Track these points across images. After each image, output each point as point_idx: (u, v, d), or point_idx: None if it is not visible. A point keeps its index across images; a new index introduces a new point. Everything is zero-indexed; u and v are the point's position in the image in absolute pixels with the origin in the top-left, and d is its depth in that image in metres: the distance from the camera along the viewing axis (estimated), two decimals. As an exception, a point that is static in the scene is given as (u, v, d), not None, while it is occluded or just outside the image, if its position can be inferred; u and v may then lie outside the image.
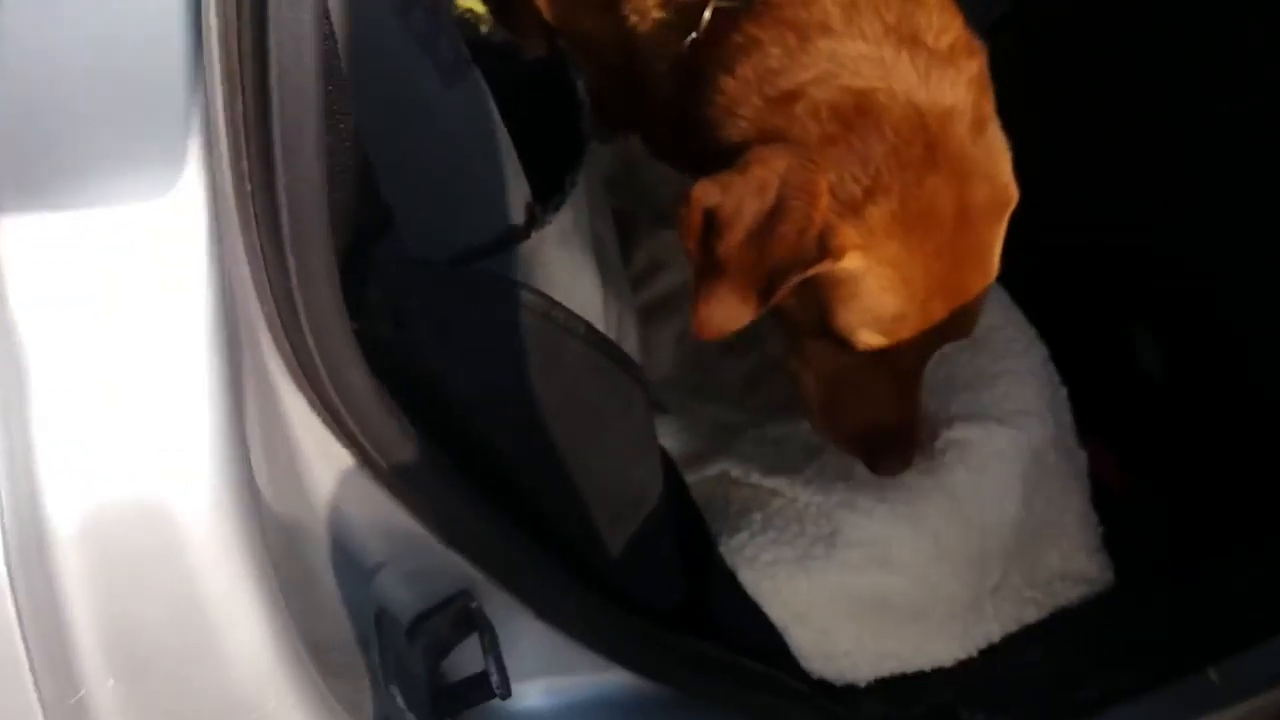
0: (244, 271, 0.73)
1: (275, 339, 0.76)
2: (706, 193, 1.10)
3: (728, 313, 1.13)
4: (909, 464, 1.31)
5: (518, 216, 0.96)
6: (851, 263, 1.12)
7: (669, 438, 1.51)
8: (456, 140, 0.89)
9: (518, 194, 0.97)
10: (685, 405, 1.58)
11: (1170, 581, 1.45)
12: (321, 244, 0.72)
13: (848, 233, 1.10)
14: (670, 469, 1.35)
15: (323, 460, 0.82)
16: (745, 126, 1.15)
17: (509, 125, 1.08)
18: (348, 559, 0.87)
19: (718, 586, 1.32)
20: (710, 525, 1.41)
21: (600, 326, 1.08)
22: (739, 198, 1.09)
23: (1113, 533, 1.51)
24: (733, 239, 1.10)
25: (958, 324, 1.22)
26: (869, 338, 1.20)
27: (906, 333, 1.20)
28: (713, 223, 1.11)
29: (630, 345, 1.15)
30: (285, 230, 0.70)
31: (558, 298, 1.01)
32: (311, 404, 0.80)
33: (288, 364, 0.77)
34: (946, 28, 1.17)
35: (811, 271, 1.11)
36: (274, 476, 0.78)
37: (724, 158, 1.15)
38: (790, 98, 1.13)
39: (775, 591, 1.35)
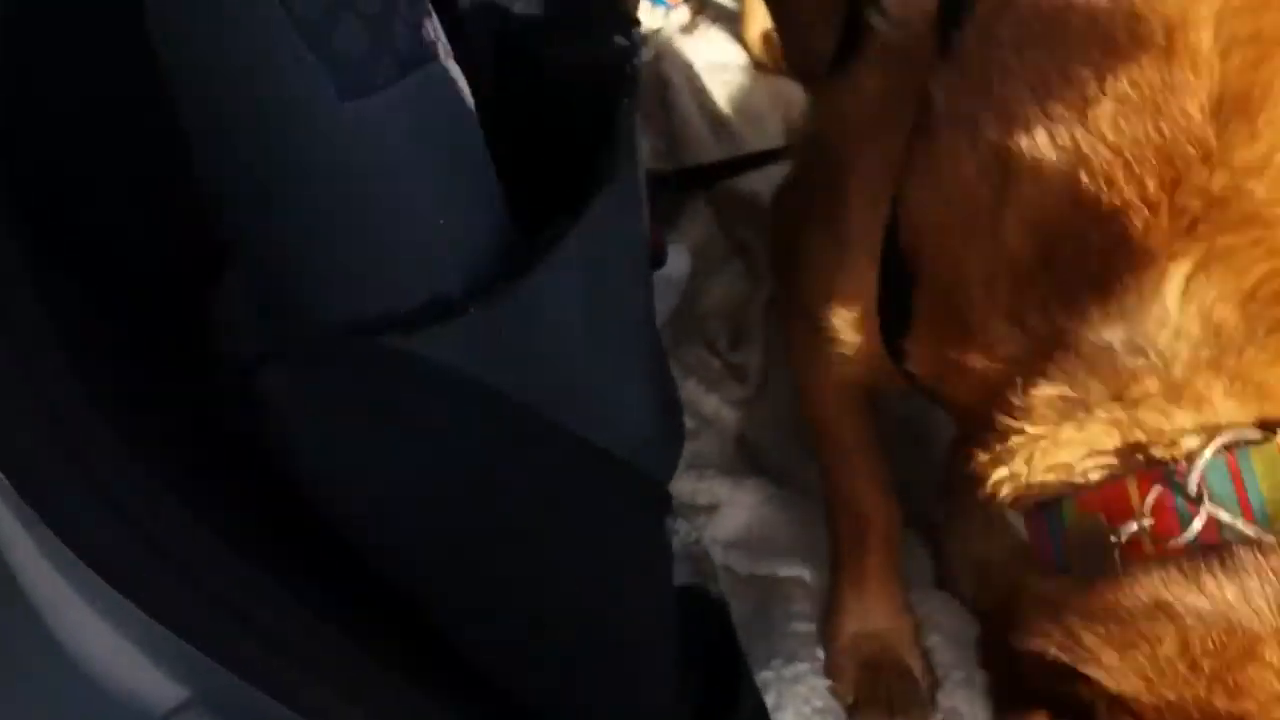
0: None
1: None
2: None
3: None
4: None
5: (453, 285, 0.67)
6: None
7: (739, 515, 1.25)
8: (351, 168, 0.62)
9: (470, 250, 0.67)
10: (785, 469, 1.32)
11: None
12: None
13: None
14: (699, 593, 1.07)
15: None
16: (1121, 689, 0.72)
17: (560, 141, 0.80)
18: (122, 703, 0.64)
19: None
20: (765, 640, 1.15)
21: None
22: None
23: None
24: None
25: None
26: None
27: None
28: None
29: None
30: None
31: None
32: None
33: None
34: None
35: None
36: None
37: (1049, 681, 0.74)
38: None
39: (822, 745, 1.09)
